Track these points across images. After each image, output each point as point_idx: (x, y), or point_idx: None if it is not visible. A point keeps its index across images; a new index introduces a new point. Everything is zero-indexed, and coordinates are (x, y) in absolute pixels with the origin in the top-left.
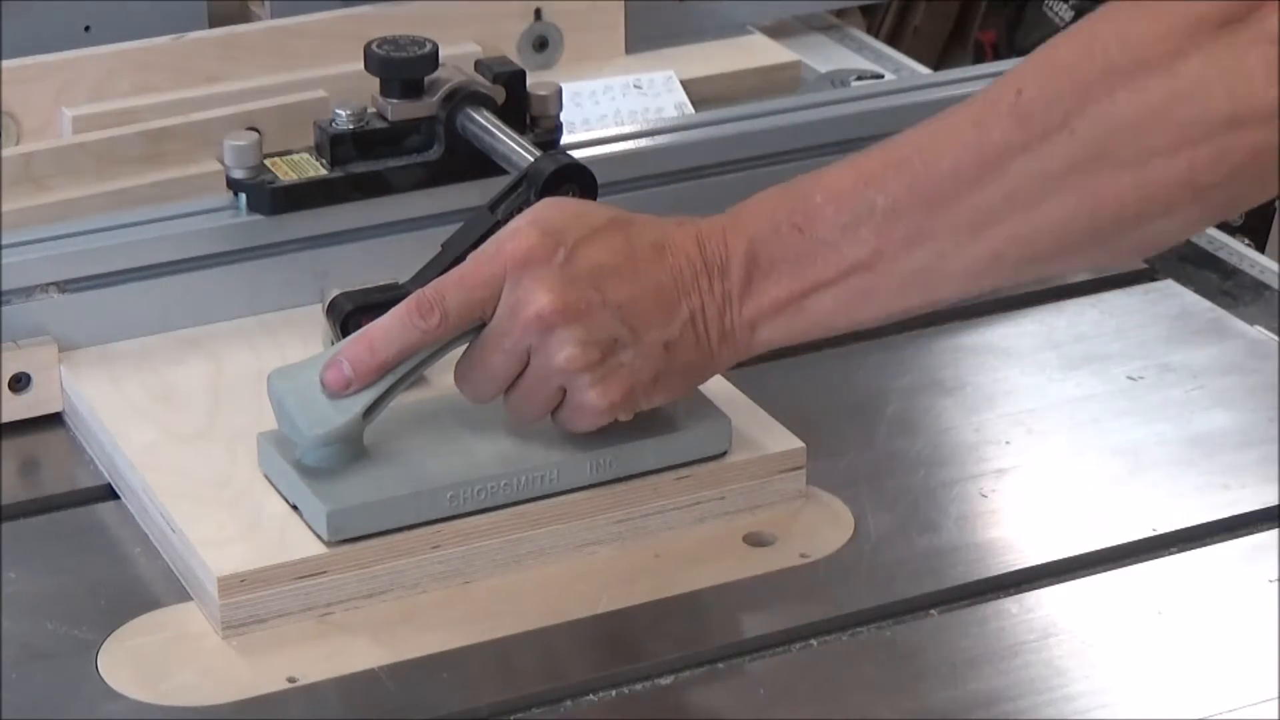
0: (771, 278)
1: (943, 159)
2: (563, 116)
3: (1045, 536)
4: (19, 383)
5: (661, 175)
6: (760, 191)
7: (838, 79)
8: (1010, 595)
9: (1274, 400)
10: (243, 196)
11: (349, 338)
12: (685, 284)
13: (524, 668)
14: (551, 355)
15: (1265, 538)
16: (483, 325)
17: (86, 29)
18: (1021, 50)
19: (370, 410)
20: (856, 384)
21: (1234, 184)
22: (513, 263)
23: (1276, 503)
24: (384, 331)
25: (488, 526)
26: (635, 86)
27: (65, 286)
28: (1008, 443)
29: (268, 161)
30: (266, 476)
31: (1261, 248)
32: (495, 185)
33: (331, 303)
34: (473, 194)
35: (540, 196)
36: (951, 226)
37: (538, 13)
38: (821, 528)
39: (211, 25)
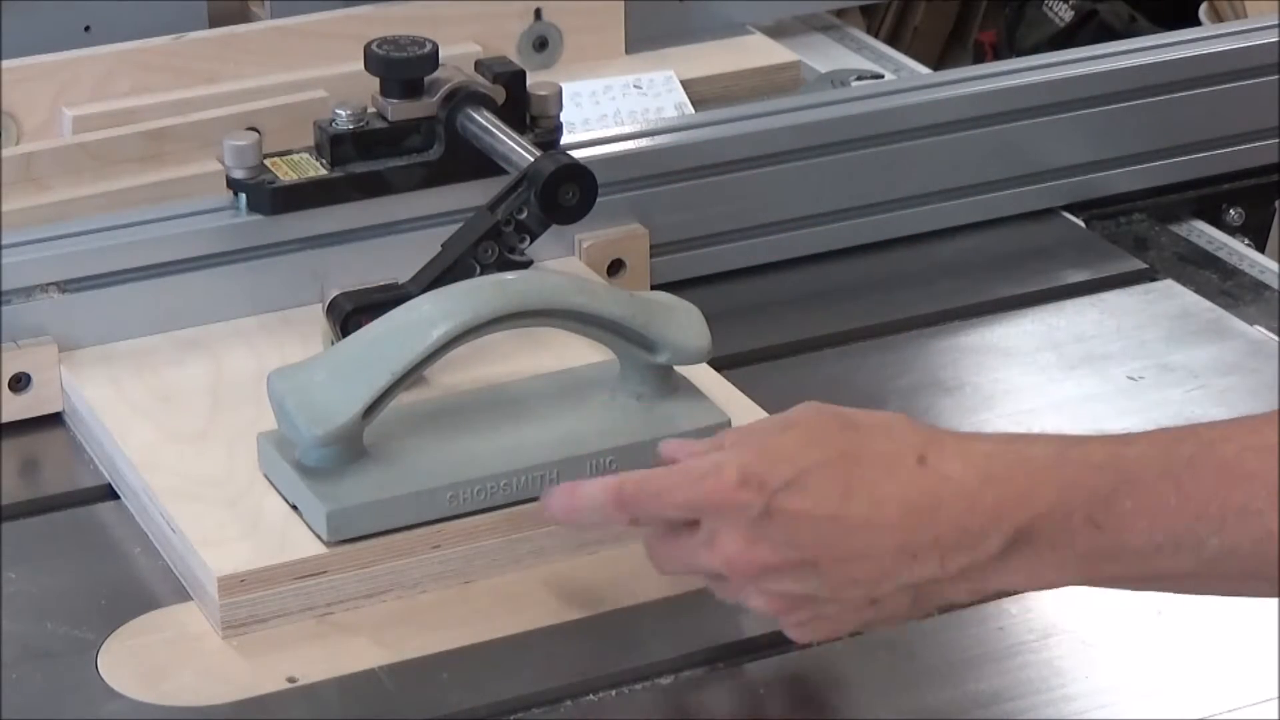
0: (1048, 561)
1: None
2: (563, 116)
3: None
4: (19, 383)
5: (661, 175)
6: (1034, 444)
7: (838, 79)
8: (1010, 595)
9: (1274, 400)
10: (243, 196)
11: (568, 485)
12: (913, 548)
13: (524, 668)
14: (743, 597)
15: None
16: None
17: (86, 29)
18: (1021, 50)
19: (370, 410)
20: (856, 384)
21: None
22: (709, 504)
23: (1276, 502)
24: (587, 497)
25: (488, 526)
26: (635, 86)
27: (65, 286)
28: None
29: (268, 161)
30: (266, 476)
31: (1261, 248)
32: (495, 185)
33: (331, 303)
34: (473, 194)
35: (540, 196)
36: None
37: (538, 13)
38: None
39: (211, 25)
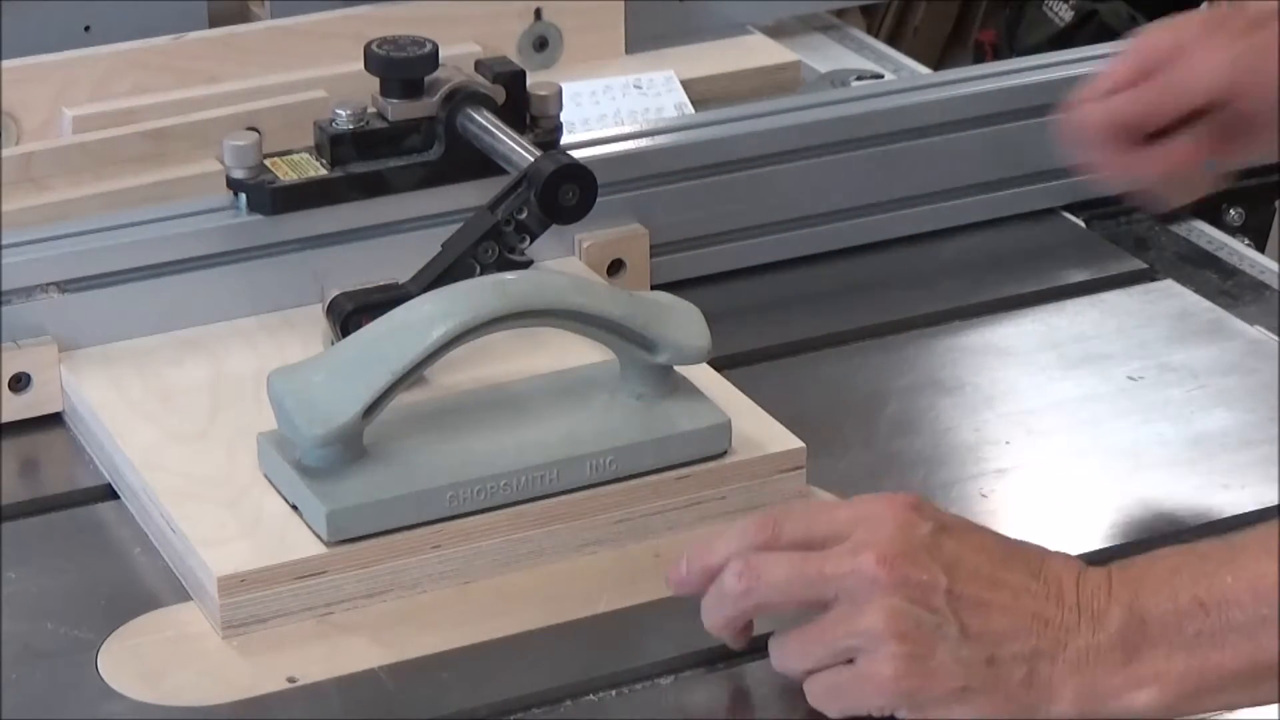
0: (1161, 649)
1: None
2: (563, 116)
3: (1045, 536)
4: (19, 383)
5: (661, 175)
6: (1153, 551)
7: (838, 79)
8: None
9: (1274, 400)
10: (243, 196)
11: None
12: (1045, 615)
13: (524, 668)
14: (860, 610)
15: None
16: None
17: (86, 29)
18: (1022, 50)
19: (370, 410)
20: (856, 384)
21: None
22: (875, 513)
23: (1276, 503)
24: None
25: (488, 526)
26: (635, 86)
27: (65, 286)
28: (1008, 443)
29: (268, 161)
30: (266, 476)
31: (1261, 248)
32: (495, 185)
33: (331, 303)
34: (473, 194)
35: (540, 196)
36: None
37: (538, 13)
38: None
39: (211, 25)
